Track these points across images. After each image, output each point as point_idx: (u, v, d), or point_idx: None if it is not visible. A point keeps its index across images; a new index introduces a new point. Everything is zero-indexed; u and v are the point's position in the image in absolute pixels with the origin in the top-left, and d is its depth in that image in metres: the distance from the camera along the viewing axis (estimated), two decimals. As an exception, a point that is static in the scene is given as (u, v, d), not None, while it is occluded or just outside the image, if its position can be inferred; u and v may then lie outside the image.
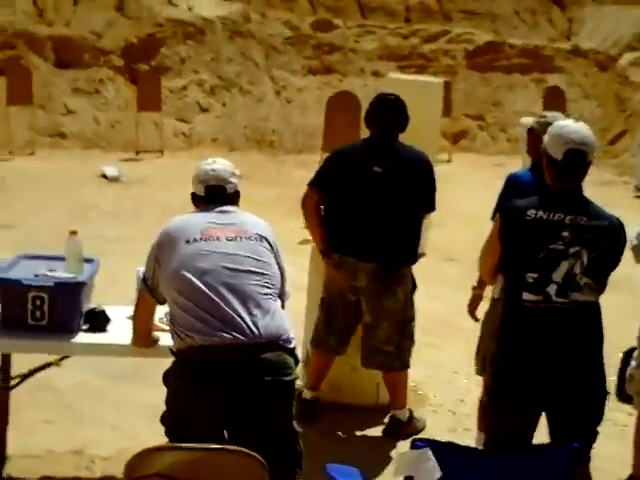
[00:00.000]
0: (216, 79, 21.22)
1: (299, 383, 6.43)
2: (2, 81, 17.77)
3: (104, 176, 15.67)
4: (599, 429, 4.29)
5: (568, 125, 4.22)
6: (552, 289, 4.09)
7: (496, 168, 16.54)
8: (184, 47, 21.31)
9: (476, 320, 5.57)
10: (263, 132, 20.63)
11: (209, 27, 21.76)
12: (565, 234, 4.08)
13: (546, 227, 4.11)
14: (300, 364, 6.47)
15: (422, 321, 6.50)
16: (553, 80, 22.85)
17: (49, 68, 19.89)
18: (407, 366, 6.21)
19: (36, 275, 4.81)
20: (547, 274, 4.09)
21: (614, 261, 4.18)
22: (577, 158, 4.14)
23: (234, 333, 4.05)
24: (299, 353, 6.37)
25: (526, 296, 4.12)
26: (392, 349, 6.08)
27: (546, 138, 4.25)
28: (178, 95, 20.68)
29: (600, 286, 4.17)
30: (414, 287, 6.20)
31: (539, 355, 4.14)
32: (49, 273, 4.82)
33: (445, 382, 7.01)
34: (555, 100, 19.87)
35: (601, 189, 17.29)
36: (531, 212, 4.14)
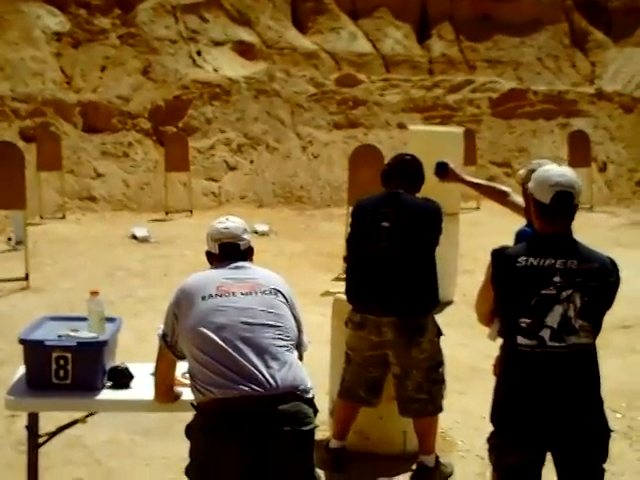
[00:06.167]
0: (243, 138, 21.45)
1: (325, 433, 6.48)
2: (32, 148, 18.06)
3: (134, 237, 15.86)
4: (605, 467, 4.27)
5: (553, 169, 4.21)
6: (546, 333, 4.07)
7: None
8: (210, 108, 21.58)
9: None
10: (291, 188, 20.80)
11: (234, 87, 22.05)
12: (556, 279, 4.07)
13: (537, 273, 4.09)
14: (326, 414, 6.53)
15: (450, 367, 6.50)
16: (578, 124, 22.93)
17: (78, 133, 20.22)
18: (440, 410, 6.22)
19: (59, 336, 4.90)
20: (540, 319, 4.08)
21: (608, 302, 4.17)
22: (565, 201, 4.13)
23: (252, 386, 4.11)
24: (325, 403, 6.44)
25: (521, 340, 4.12)
26: (424, 396, 6.10)
27: (531, 184, 4.24)
28: (206, 155, 20.91)
29: (595, 328, 4.15)
30: (439, 333, 6.22)
31: (537, 397, 4.12)
32: (72, 333, 4.91)
33: (473, 428, 6.98)
34: (580, 144, 19.96)
35: (632, 230, 17.34)
36: (522, 259, 4.13)
